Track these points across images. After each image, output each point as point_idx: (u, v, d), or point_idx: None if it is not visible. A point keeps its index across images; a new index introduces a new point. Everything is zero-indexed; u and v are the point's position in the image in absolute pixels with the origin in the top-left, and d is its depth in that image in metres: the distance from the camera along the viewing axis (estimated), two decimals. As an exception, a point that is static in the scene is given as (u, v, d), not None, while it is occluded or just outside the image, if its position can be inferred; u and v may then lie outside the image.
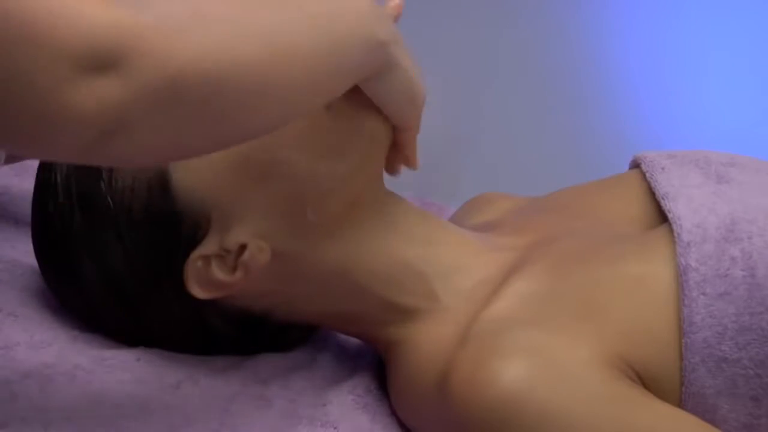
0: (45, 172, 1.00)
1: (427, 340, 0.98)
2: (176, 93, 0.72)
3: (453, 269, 1.02)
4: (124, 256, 0.97)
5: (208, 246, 0.96)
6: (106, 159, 0.78)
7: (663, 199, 1.01)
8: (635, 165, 1.11)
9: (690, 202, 0.99)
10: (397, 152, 1.01)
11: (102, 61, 0.69)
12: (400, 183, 1.09)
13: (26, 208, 1.19)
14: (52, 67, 0.68)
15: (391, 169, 1.03)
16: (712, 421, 0.91)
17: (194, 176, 0.96)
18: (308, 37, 0.80)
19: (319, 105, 0.90)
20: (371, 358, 1.08)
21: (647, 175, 1.06)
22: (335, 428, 0.98)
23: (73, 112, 0.69)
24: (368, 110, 0.95)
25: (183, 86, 0.72)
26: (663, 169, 1.05)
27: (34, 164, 1.27)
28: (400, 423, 1.01)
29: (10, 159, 1.24)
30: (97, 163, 0.95)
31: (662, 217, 1.01)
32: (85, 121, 0.70)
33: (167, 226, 0.96)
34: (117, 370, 0.98)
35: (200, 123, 0.75)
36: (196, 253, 0.96)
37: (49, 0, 0.68)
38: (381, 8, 0.89)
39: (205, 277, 0.97)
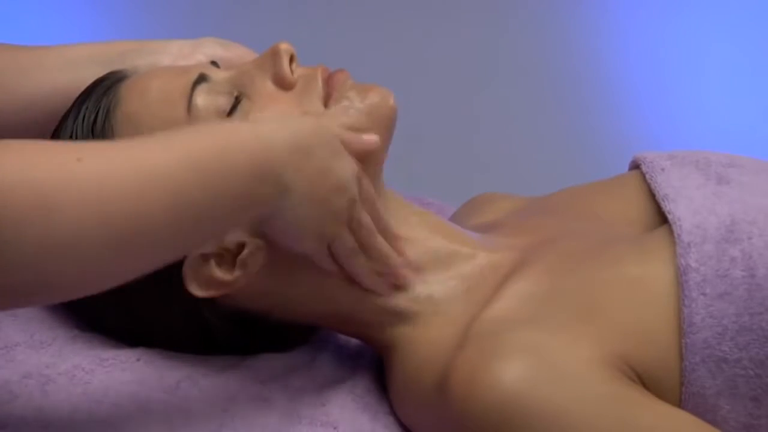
0: None
1: (427, 341, 0.98)
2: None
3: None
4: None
5: (207, 245, 0.96)
6: None
7: (663, 200, 1.01)
8: (635, 166, 1.11)
9: (690, 203, 0.99)
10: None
11: None
12: (400, 182, 1.09)
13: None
14: None
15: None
16: (712, 422, 0.91)
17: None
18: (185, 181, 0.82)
19: (198, 244, 0.91)
20: (371, 358, 1.08)
21: (647, 176, 1.06)
22: (335, 428, 0.98)
23: None
24: None
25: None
26: (663, 170, 1.05)
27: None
28: (400, 423, 1.01)
29: None
30: None
31: (662, 218, 1.01)
32: None
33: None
34: (117, 370, 0.98)
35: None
36: (195, 252, 0.96)
37: None
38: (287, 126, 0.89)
39: (204, 275, 0.96)
